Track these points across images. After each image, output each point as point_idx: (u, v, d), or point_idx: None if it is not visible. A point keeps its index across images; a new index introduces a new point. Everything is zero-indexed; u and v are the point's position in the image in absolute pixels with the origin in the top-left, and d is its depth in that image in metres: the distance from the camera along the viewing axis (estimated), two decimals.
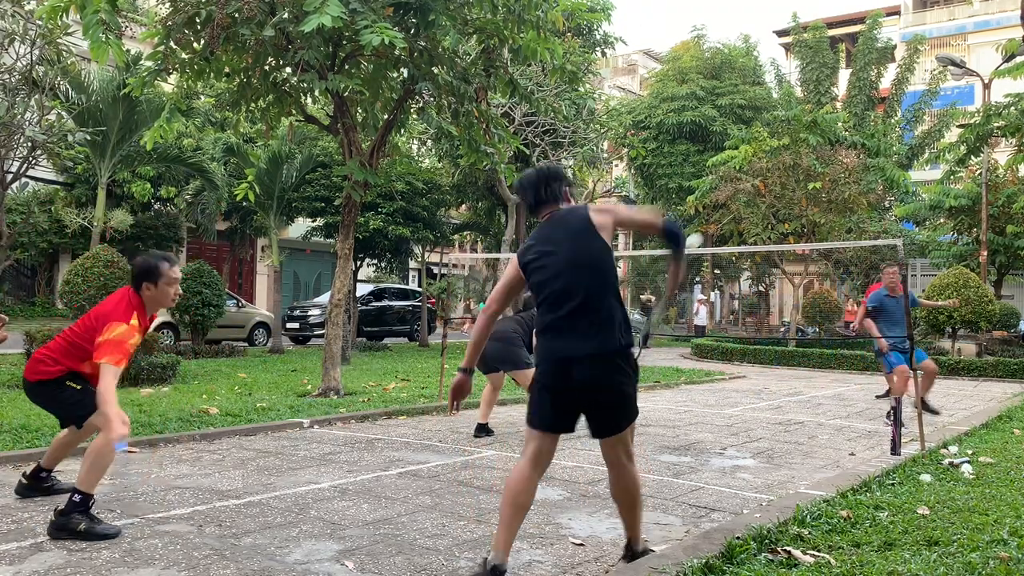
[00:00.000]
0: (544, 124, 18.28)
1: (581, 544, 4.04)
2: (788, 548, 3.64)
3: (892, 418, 6.60)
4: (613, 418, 3.27)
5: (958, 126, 26.74)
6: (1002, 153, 27.18)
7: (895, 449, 6.47)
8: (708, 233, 26.35)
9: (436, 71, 9.22)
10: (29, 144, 10.84)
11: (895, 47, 34.22)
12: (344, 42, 8.97)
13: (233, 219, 23.50)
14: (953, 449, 6.40)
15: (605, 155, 24.76)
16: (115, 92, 13.39)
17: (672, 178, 27.54)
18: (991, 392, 12.15)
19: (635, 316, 23.60)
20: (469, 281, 41.96)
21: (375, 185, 10.96)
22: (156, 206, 22.70)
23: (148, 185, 20.19)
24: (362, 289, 21.88)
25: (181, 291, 4.47)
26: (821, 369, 16.76)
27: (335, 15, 7.17)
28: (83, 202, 20.22)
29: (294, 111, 9.94)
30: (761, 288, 37.76)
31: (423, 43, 8.96)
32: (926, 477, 5.25)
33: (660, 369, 14.70)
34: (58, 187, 21.56)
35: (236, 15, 7.91)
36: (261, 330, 19.60)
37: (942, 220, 22.76)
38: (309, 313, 21.29)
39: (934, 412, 8.63)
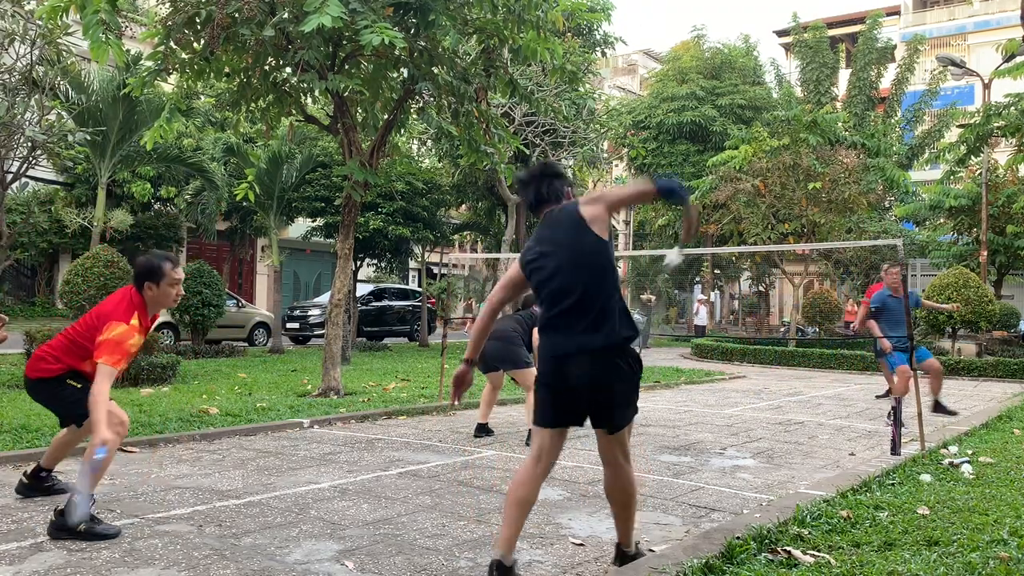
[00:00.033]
0: (544, 124, 18.28)
1: (581, 544, 4.04)
2: (788, 548, 3.64)
3: (892, 418, 6.60)
4: (611, 414, 3.27)
5: (958, 126, 26.74)
6: (1002, 153, 27.17)
7: (895, 449, 6.47)
8: (708, 233, 26.38)
9: (436, 71, 9.22)
10: (29, 144, 10.84)
11: (895, 47, 34.22)
12: (344, 42, 8.97)
13: (233, 219, 23.51)
14: (953, 449, 6.40)
15: (605, 155, 24.75)
16: (115, 92, 13.38)
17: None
18: (991, 392, 12.15)
19: (636, 316, 23.60)
20: (469, 281, 41.96)
21: (375, 185, 10.96)
22: (156, 206, 22.71)
23: (148, 185, 20.20)
24: (362, 289, 21.88)
25: (183, 291, 4.44)
26: (821, 369, 16.76)
27: (335, 15, 7.17)
28: (83, 202, 20.23)
29: (294, 111, 9.94)
30: (761, 288, 37.75)
31: (423, 43, 8.97)
32: (926, 477, 5.25)
33: (660, 369, 14.70)
34: (58, 187, 21.56)
35: (236, 15, 7.91)
36: (261, 330, 19.60)
37: (942, 220, 22.76)
38: (309, 313, 21.29)
39: (951, 413, 8.52)
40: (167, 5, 8.53)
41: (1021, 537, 3.84)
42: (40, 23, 9.99)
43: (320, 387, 9.59)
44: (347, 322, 14.85)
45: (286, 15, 8.03)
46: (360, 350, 18.08)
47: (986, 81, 19.22)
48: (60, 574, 3.47)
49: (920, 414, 6.84)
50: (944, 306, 9.68)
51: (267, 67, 9.12)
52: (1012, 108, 18.29)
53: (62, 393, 4.24)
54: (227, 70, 9.15)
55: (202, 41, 8.56)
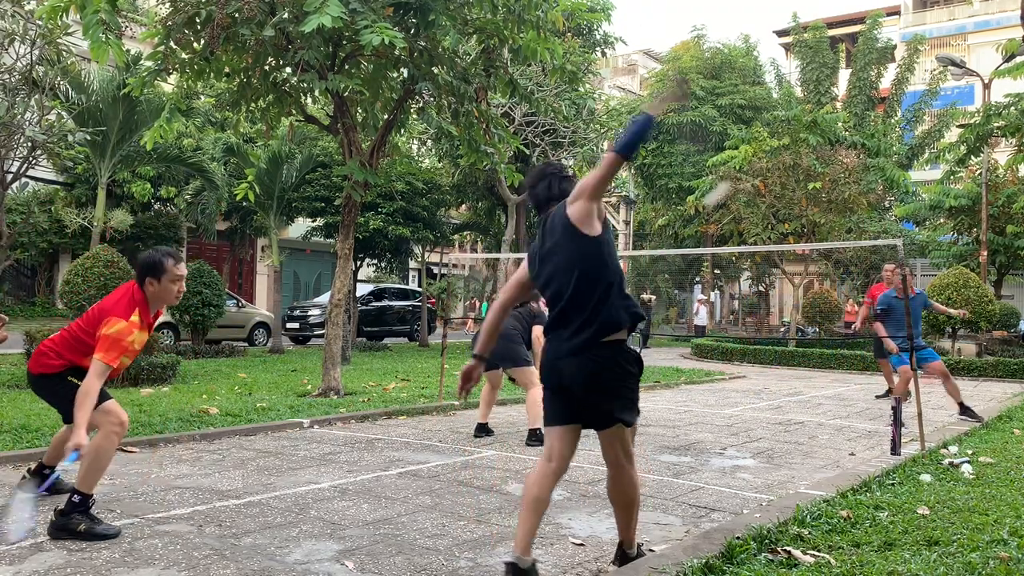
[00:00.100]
0: (544, 124, 18.29)
1: (581, 544, 4.04)
2: (788, 548, 3.64)
3: (892, 418, 6.60)
4: (606, 414, 3.27)
5: (958, 126, 26.75)
6: (1002, 153, 27.18)
7: (895, 449, 6.47)
8: (708, 233, 26.38)
9: (436, 71, 9.22)
10: (29, 144, 10.84)
11: (895, 47, 34.22)
12: (344, 42, 8.97)
13: (233, 219, 23.51)
14: (953, 449, 6.41)
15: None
16: (115, 92, 13.38)
17: (672, 178, 27.55)
18: (991, 392, 12.15)
19: None
20: (469, 281, 41.97)
21: (375, 185, 10.96)
22: (156, 206, 22.70)
23: (148, 185, 20.20)
24: (362, 289, 21.88)
25: (185, 288, 4.40)
26: (821, 369, 16.76)
27: (335, 15, 7.17)
28: (83, 202, 20.22)
29: (294, 111, 9.94)
30: (761, 288, 37.77)
31: (423, 43, 8.97)
32: (926, 477, 5.25)
33: (660, 369, 14.71)
34: (58, 187, 21.56)
35: (236, 15, 7.91)
36: (261, 330, 19.61)
37: (942, 220, 22.76)
38: (309, 313, 21.30)
39: (977, 418, 8.26)
40: (167, 5, 8.53)
41: (1021, 537, 3.84)
42: (40, 23, 9.99)
43: (320, 387, 9.59)
44: (347, 322, 14.85)
45: (286, 15, 8.03)
46: (360, 350, 18.08)
47: (986, 81, 19.22)
48: (60, 574, 3.47)
49: (920, 414, 6.84)
50: (952, 311, 9.57)
51: (267, 67, 9.12)
52: (1012, 108, 18.29)
53: (63, 390, 4.21)
54: (227, 70, 9.15)
55: (202, 41, 8.56)
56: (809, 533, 3.91)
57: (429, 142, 20.75)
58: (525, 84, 11.62)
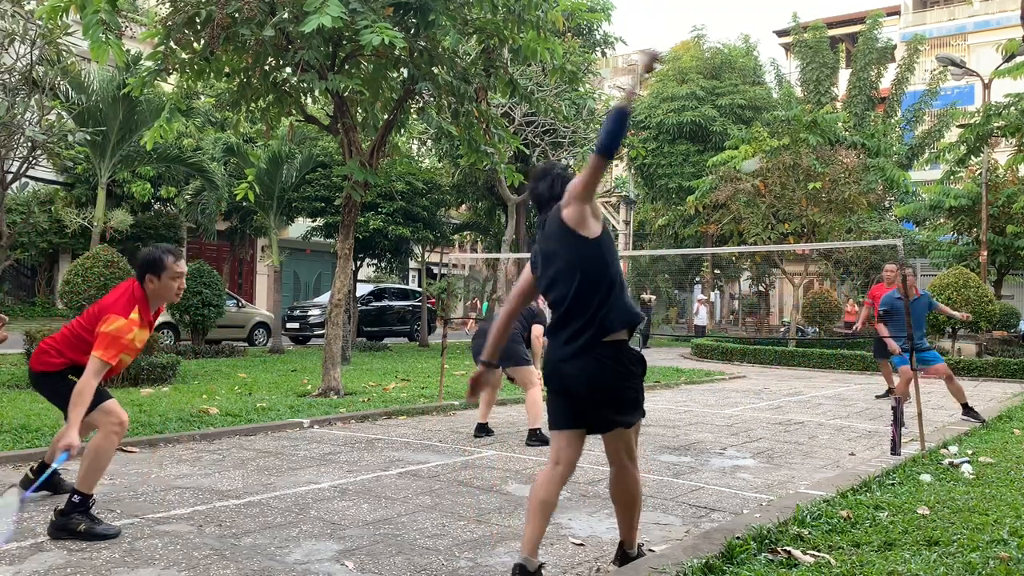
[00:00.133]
0: (544, 124, 18.29)
1: (581, 544, 4.04)
2: (788, 548, 3.64)
3: (892, 418, 6.60)
4: (610, 416, 3.27)
5: (958, 126, 26.75)
6: (1002, 153, 27.18)
7: (895, 449, 6.47)
8: (708, 233, 26.37)
9: (436, 71, 9.22)
10: (29, 144, 10.84)
11: (895, 47, 34.22)
12: (344, 42, 8.97)
13: (233, 219, 23.51)
14: (953, 449, 6.41)
15: None
16: (115, 92, 13.38)
17: (672, 178, 27.55)
18: (991, 392, 12.15)
19: None
20: (469, 281, 41.98)
21: (375, 185, 10.96)
22: (156, 206, 22.71)
23: (148, 185, 20.20)
24: (362, 289, 21.89)
25: (185, 285, 4.38)
26: (821, 369, 16.76)
27: (335, 15, 7.17)
28: (83, 202, 20.22)
29: (294, 111, 9.94)
30: (761, 288, 37.77)
31: (423, 43, 8.97)
32: (926, 477, 5.25)
33: (660, 369, 14.70)
34: (58, 187, 21.56)
35: (236, 15, 7.91)
36: (261, 330, 19.61)
37: (942, 220, 22.77)
38: (309, 313, 21.30)
39: (981, 421, 8.22)
40: (167, 5, 8.53)
41: (1021, 537, 3.84)
42: (40, 23, 9.99)
43: (320, 387, 9.59)
44: (347, 322, 14.85)
45: (286, 15, 8.03)
46: (360, 350, 18.08)
47: (986, 81, 19.22)
48: (60, 574, 3.47)
49: (920, 414, 6.84)
50: (956, 314, 9.50)
51: (267, 67, 9.12)
52: (1012, 108, 18.29)
53: (64, 388, 4.17)
54: (227, 70, 9.15)
55: (202, 41, 8.56)
56: (809, 533, 3.91)
57: (429, 142, 20.75)
58: (525, 84, 11.62)
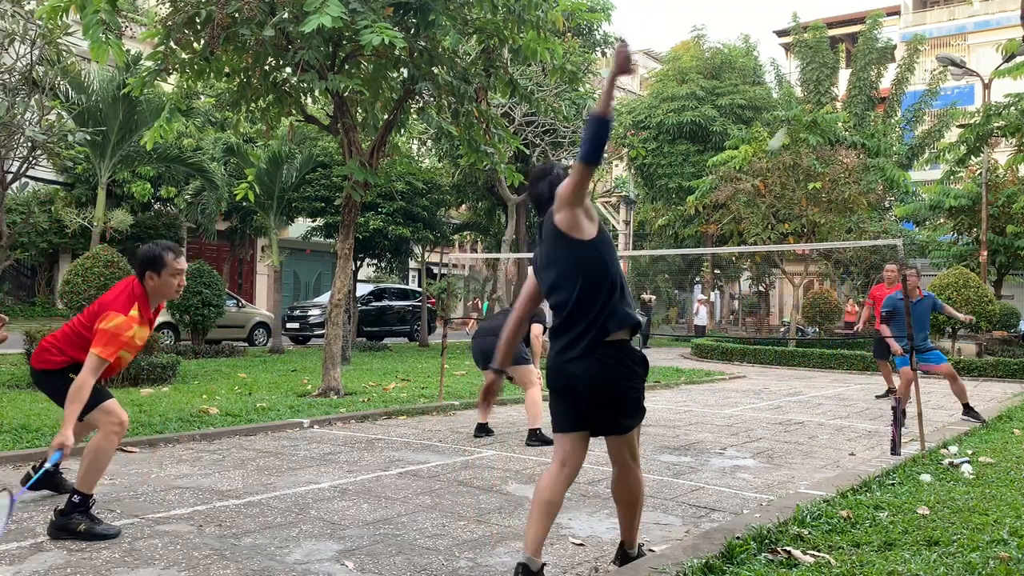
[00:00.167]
0: (544, 124, 18.28)
1: (581, 544, 4.04)
2: (788, 548, 3.64)
3: (893, 418, 6.60)
4: (613, 418, 3.28)
5: (958, 126, 26.76)
6: (1002, 153, 27.19)
7: (895, 449, 6.47)
8: (708, 233, 26.37)
9: (436, 71, 9.22)
10: (29, 144, 10.84)
11: (895, 47, 34.22)
12: (344, 42, 8.97)
13: (233, 219, 23.52)
14: (953, 449, 6.41)
15: (605, 155, 24.72)
16: (115, 92, 13.38)
17: (672, 178, 27.56)
18: (991, 392, 12.15)
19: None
20: (469, 281, 41.98)
21: (375, 185, 10.96)
22: (156, 206, 22.72)
23: (148, 185, 20.20)
24: (362, 289, 21.89)
25: (185, 282, 4.36)
26: (821, 369, 16.76)
27: (335, 15, 7.17)
28: (83, 202, 20.23)
29: (294, 111, 9.94)
30: (761, 288, 37.77)
31: (423, 43, 8.97)
32: (926, 477, 5.25)
33: (660, 369, 14.70)
34: (58, 187, 21.56)
35: (236, 15, 7.91)
36: (261, 330, 19.61)
37: (942, 220, 22.78)
38: (309, 313, 21.30)
39: (981, 421, 8.19)
40: (167, 5, 8.53)
41: (1021, 537, 3.84)
42: (40, 23, 9.99)
43: (320, 387, 9.59)
44: (347, 322, 14.86)
45: (286, 15, 8.03)
46: (360, 350, 18.08)
47: (986, 81, 19.22)
48: (60, 574, 3.47)
49: (920, 414, 6.84)
50: (960, 316, 9.41)
51: (267, 67, 9.12)
52: (1012, 108, 18.30)
53: (64, 387, 4.13)
54: (227, 70, 9.15)
55: (202, 41, 8.56)
56: (809, 533, 3.91)
57: (429, 142, 20.74)
58: (525, 84, 11.62)
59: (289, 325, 20.87)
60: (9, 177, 11.16)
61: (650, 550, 3.76)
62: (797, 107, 22.88)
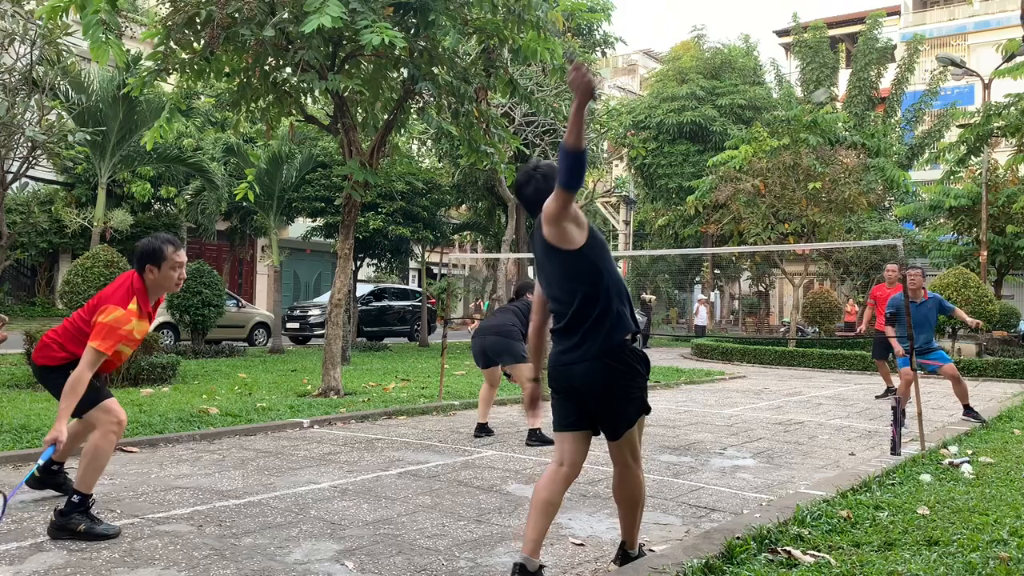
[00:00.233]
0: (544, 124, 18.27)
1: (581, 544, 4.04)
2: (788, 548, 3.64)
3: (892, 418, 6.60)
4: (614, 418, 3.28)
5: (958, 126, 26.77)
6: (1002, 153, 27.19)
7: (895, 449, 6.47)
8: (708, 233, 26.38)
9: (436, 71, 9.22)
10: (29, 144, 10.84)
11: (895, 47, 34.24)
12: (344, 42, 8.97)
13: (233, 219, 23.51)
14: (953, 449, 6.40)
15: (605, 155, 24.75)
16: (115, 92, 13.39)
17: (672, 178, 27.56)
18: (991, 392, 12.14)
19: (636, 315, 23.53)
20: (469, 281, 41.97)
21: (375, 185, 10.96)
22: (156, 206, 22.70)
23: (148, 185, 20.19)
24: (362, 289, 21.89)
25: (185, 275, 4.34)
26: (821, 369, 16.76)
27: (335, 15, 7.17)
28: (83, 202, 20.22)
29: (294, 111, 9.94)
30: (761, 288, 37.76)
31: (423, 43, 8.96)
32: (926, 477, 5.25)
33: (660, 369, 14.70)
34: (58, 187, 21.56)
35: (236, 15, 7.91)
36: (261, 330, 19.61)
37: (942, 220, 22.78)
38: (309, 313, 21.30)
39: (981, 421, 8.14)
40: (167, 5, 8.52)
41: (1021, 537, 3.84)
42: (40, 23, 9.99)
43: (320, 387, 9.59)
44: (347, 322, 14.85)
45: (286, 15, 8.03)
46: (360, 350, 18.08)
47: (986, 81, 19.23)
48: (60, 574, 3.47)
49: (920, 414, 6.84)
50: (969, 320, 9.24)
51: (267, 67, 9.11)
52: (1012, 108, 18.31)
53: (64, 383, 4.15)
54: (227, 70, 9.15)
55: (202, 41, 8.56)
56: (809, 533, 3.91)
57: (429, 142, 20.74)
58: (525, 84, 11.62)
59: (289, 325, 20.87)
60: (9, 177, 11.16)
61: (650, 550, 3.76)
62: (797, 107, 22.90)
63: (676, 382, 12.86)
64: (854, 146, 20.78)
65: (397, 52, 8.24)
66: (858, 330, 12.03)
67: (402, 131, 12.97)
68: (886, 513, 4.30)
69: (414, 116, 11.64)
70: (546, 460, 5.87)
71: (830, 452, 6.84)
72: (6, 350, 12.56)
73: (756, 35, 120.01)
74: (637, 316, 3.41)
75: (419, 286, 27.65)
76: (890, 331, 8.59)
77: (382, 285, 24.64)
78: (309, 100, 10.77)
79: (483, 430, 7.24)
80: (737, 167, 20.25)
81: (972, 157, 20.25)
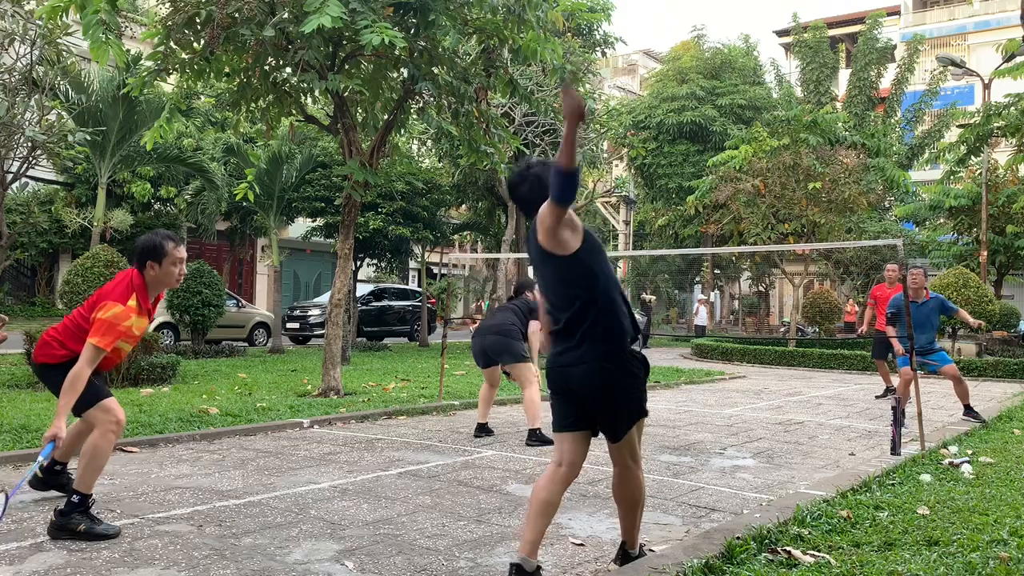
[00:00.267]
0: (544, 124, 18.28)
1: (581, 544, 4.04)
2: (788, 548, 3.64)
3: (892, 418, 6.60)
4: (613, 420, 3.28)
5: (958, 126, 26.78)
6: (1002, 153, 27.20)
7: (895, 449, 6.47)
8: (708, 233, 26.39)
9: (436, 71, 9.22)
10: (29, 144, 10.84)
11: (895, 47, 34.24)
12: (344, 42, 8.97)
13: (233, 219, 23.51)
14: (953, 449, 6.40)
15: (605, 155, 24.77)
16: (115, 92, 13.39)
17: (672, 178, 27.56)
18: (991, 392, 12.14)
19: (636, 316, 23.54)
20: (469, 281, 41.97)
21: (375, 185, 10.96)
22: (156, 206, 22.70)
23: (148, 185, 20.20)
24: (362, 289, 21.89)
25: (186, 271, 4.34)
26: (821, 369, 16.76)
27: (335, 15, 7.17)
28: (83, 202, 20.22)
29: (294, 111, 9.94)
30: (761, 288, 37.75)
31: (423, 43, 8.96)
32: (926, 477, 5.25)
33: (660, 369, 14.70)
34: (58, 187, 21.56)
35: (236, 15, 7.91)
36: (261, 330, 19.61)
37: (942, 220, 22.79)
38: (309, 313, 21.30)
39: (981, 421, 8.12)
40: (167, 5, 8.52)
41: (1021, 537, 3.84)
42: (40, 23, 9.99)
43: (320, 387, 9.59)
44: (347, 322, 14.85)
45: (286, 15, 8.03)
46: (360, 350, 18.08)
47: (986, 81, 19.23)
48: (60, 574, 3.47)
49: (920, 414, 6.84)
50: (971, 321, 9.19)
51: (267, 67, 9.11)
52: (1012, 108, 18.31)
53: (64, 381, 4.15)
54: (227, 70, 9.15)
55: (202, 41, 8.56)
56: (809, 533, 3.91)
57: (429, 142, 20.75)
58: (525, 84, 11.62)
59: (289, 325, 20.87)
60: (9, 177, 11.16)
61: (650, 550, 3.76)
62: (797, 107, 22.90)
63: (676, 382, 12.86)
64: (854, 146, 20.79)
65: (397, 52, 8.24)
66: (859, 331, 12.01)
67: (402, 131, 12.97)
68: (886, 513, 4.30)
69: (414, 116, 11.64)
70: (546, 460, 5.87)
71: (830, 452, 6.84)
72: (6, 350, 12.56)
73: (756, 35, 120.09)
74: (637, 316, 3.41)
75: (419, 286, 27.65)
76: (891, 331, 8.59)
77: (382, 285, 24.64)
78: (309, 100, 10.77)
79: (483, 430, 7.24)
80: (737, 167, 20.25)
81: (972, 157, 20.25)
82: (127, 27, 13.57)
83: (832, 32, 33.95)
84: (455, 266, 40.96)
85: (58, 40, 10.61)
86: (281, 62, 9.06)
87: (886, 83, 31.02)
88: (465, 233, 27.45)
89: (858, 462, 6.26)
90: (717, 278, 37.43)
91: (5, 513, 3.87)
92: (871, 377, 14.63)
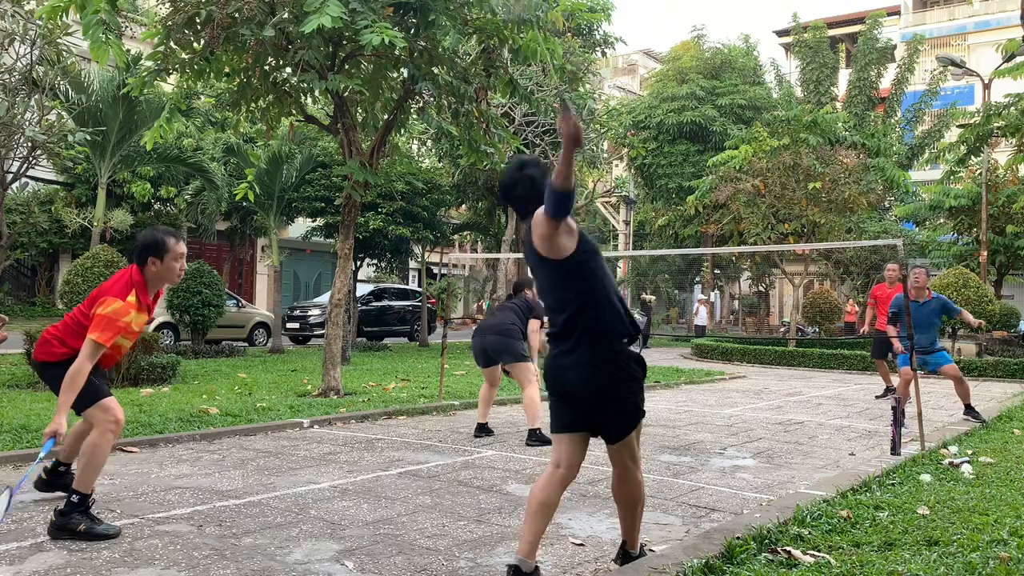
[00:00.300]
0: (544, 124, 18.28)
1: (581, 544, 4.04)
2: (788, 548, 3.64)
3: (892, 418, 6.60)
4: (611, 422, 3.27)
5: (958, 126, 26.78)
6: (1002, 153, 27.20)
7: (895, 449, 6.47)
8: (708, 233, 26.39)
9: (436, 71, 9.22)
10: (29, 144, 10.84)
11: (895, 47, 34.23)
12: (344, 42, 8.97)
13: (233, 219, 23.51)
14: (953, 449, 6.40)
15: (605, 155, 24.75)
16: (115, 92, 13.39)
17: (672, 178, 27.55)
18: (991, 392, 12.14)
19: (636, 316, 23.54)
20: (469, 281, 41.97)
21: (375, 185, 10.96)
22: (156, 206, 22.69)
23: (148, 185, 20.20)
24: (362, 289, 21.88)
25: (186, 266, 4.36)
26: (821, 369, 16.76)
27: (335, 15, 7.17)
28: (83, 202, 20.22)
29: (294, 111, 9.94)
30: (761, 288, 37.75)
31: (423, 43, 8.96)
32: (926, 477, 5.25)
33: (660, 369, 14.70)
34: (58, 187, 21.56)
35: (236, 15, 7.91)
36: (261, 330, 19.61)
37: (942, 220, 22.79)
38: (309, 313, 21.30)
39: (981, 421, 8.10)
40: (167, 5, 8.52)
41: (1021, 537, 3.84)
42: (40, 23, 9.99)
43: (320, 387, 9.59)
44: (347, 322, 14.85)
45: (286, 15, 8.03)
46: (360, 350, 18.08)
47: (986, 81, 19.24)
48: (60, 574, 3.47)
49: (920, 414, 6.84)
50: (972, 321, 9.14)
51: (267, 67, 9.11)
52: (1012, 108, 18.32)
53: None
54: (227, 70, 9.15)
55: (202, 41, 8.56)
56: (809, 533, 3.91)
57: (429, 142, 20.75)
58: (525, 84, 11.62)
59: (289, 325, 20.86)
60: (9, 177, 11.16)
61: (650, 550, 3.76)
62: (797, 107, 22.90)
63: (676, 382, 12.86)
64: (854, 146, 20.78)
65: (397, 52, 8.24)
66: (861, 332, 11.99)
67: (402, 131, 12.98)
68: (886, 513, 4.30)
69: (414, 116, 11.64)
70: (546, 460, 5.87)
71: (830, 452, 6.84)
72: (6, 350, 12.56)
73: (756, 35, 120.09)
74: (637, 316, 3.41)
75: (419, 286, 27.65)
76: (892, 330, 8.59)
77: (382, 285, 24.64)
78: (309, 100, 10.77)
79: (483, 430, 7.24)
80: (737, 167, 20.25)
81: (972, 157, 20.25)
82: (127, 27, 13.57)
83: (832, 32, 33.95)
84: (455, 266, 40.96)
85: (58, 40, 10.61)
86: (281, 62, 9.06)
87: (886, 83, 31.02)
88: (465, 233, 27.44)
89: (858, 462, 6.26)
90: (717, 278, 37.43)
91: (9, 511, 3.87)
92: (871, 377, 14.62)
